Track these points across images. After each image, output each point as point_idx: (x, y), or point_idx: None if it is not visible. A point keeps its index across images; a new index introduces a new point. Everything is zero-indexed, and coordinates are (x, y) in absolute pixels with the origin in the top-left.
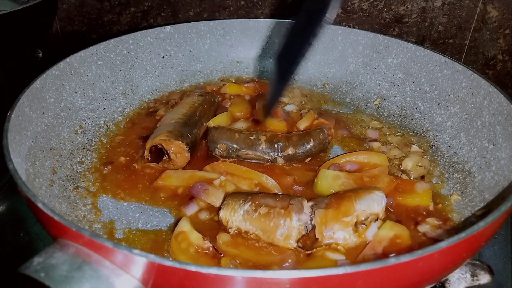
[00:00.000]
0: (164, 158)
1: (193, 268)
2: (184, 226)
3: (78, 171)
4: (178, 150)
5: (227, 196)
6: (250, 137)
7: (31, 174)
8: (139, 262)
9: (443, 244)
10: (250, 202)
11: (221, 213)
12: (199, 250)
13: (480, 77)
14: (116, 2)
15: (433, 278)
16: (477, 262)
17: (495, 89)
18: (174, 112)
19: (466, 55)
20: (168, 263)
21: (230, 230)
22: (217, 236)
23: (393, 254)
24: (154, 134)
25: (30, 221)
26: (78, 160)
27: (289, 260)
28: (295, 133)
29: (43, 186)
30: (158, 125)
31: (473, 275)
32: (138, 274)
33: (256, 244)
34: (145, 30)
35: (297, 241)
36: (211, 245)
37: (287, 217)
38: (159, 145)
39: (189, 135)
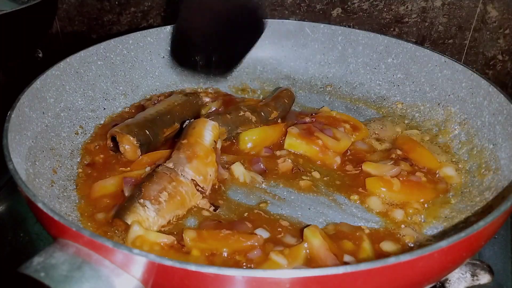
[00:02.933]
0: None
1: (193, 268)
2: (137, 231)
3: (79, 171)
4: (128, 144)
5: (120, 208)
6: (239, 115)
7: (31, 174)
8: (139, 262)
9: (443, 244)
10: (148, 200)
11: (135, 230)
12: (164, 247)
13: (480, 77)
14: (116, 2)
15: (433, 277)
16: (477, 262)
17: (495, 89)
18: (151, 108)
19: (466, 55)
20: (168, 262)
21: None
22: (182, 235)
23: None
24: (119, 125)
25: (30, 221)
26: (79, 160)
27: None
28: (267, 99)
29: (43, 186)
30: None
31: (473, 275)
32: (138, 274)
33: (221, 234)
34: (145, 30)
35: (199, 191)
36: (175, 239)
37: (179, 184)
38: (115, 136)
39: (147, 132)
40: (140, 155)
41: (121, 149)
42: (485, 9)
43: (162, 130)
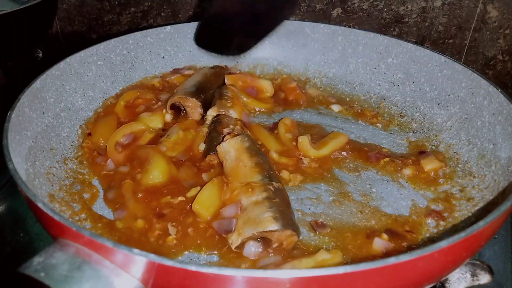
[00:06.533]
0: (182, 113)
1: (193, 268)
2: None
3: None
4: (195, 106)
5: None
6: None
7: (31, 174)
8: (139, 262)
9: (443, 244)
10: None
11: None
12: None
13: (480, 77)
14: (116, 2)
15: (433, 277)
16: (477, 262)
17: (495, 89)
18: (191, 79)
19: (466, 55)
20: (168, 262)
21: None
22: None
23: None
24: (173, 95)
25: (30, 221)
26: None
27: None
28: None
29: (43, 186)
30: (175, 90)
31: (473, 275)
32: (138, 274)
33: None
34: (145, 30)
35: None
36: None
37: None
38: (177, 103)
39: (202, 96)
40: (202, 114)
41: (188, 111)
42: (485, 9)
43: (206, 95)
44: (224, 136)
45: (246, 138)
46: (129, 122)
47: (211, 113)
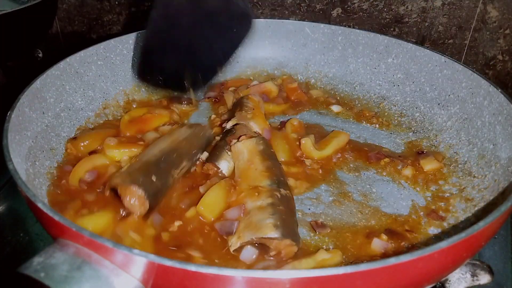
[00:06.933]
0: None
1: (193, 268)
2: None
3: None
4: (133, 196)
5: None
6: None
7: (31, 174)
8: (139, 262)
9: (443, 244)
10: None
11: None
12: None
13: (480, 77)
14: (116, 2)
15: (433, 278)
16: (477, 262)
17: (495, 89)
18: (154, 146)
19: (466, 55)
20: (168, 263)
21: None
22: None
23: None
24: (119, 173)
25: (30, 221)
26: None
27: None
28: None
29: (43, 186)
30: (137, 159)
31: (473, 275)
32: (138, 274)
33: None
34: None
35: None
36: None
37: None
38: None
39: (153, 180)
40: (148, 209)
41: (125, 203)
42: (485, 9)
43: (170, 172)
44: (236, 139)
45: (261, 141)
46: (92, 155)
47: (230, 125)
